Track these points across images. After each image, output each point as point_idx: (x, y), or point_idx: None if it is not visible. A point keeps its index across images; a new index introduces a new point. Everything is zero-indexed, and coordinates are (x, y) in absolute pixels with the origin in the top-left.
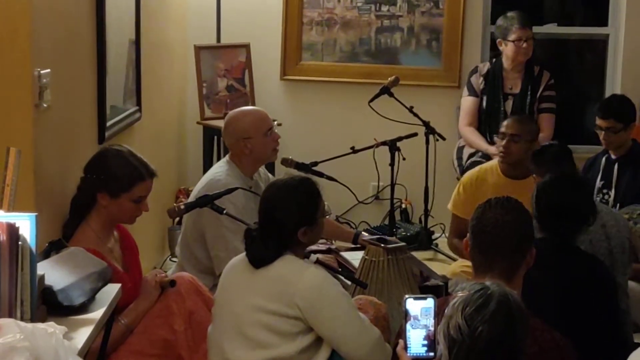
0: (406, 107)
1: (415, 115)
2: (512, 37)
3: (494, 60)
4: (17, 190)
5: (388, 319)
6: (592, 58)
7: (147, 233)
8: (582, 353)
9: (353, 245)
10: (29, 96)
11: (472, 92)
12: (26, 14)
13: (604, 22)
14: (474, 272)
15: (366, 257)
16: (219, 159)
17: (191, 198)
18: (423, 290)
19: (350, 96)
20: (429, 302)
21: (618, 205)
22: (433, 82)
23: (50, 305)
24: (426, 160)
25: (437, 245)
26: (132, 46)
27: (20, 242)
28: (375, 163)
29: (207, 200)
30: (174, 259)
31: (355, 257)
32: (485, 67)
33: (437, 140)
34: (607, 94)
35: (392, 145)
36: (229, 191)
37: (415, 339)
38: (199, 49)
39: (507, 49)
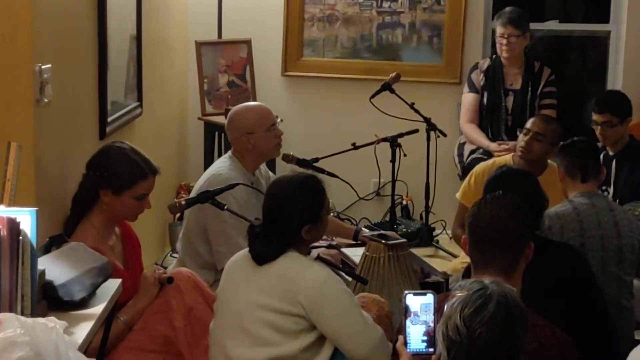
0: (407, 104)
1: (417, 111)
2: (496, 33)
3: (494, 56)
4: (17, 185)
5: (391, 317)
6: (594, 55)
7: (148, 229)
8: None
9: (353, 242)
10: (30, 91)
11: (473, 88)
12: (27, 10)
13: (605, 19)
14: (473, 269)
15: (367, 253)
16: (220, 154)
17: (193, 193)
18: (423, 286)
19: (351, 92)
20: (429, 298)
21: (617, 201)
22: (434, 78)
23: (50, 300)
24: (427, 157)
25: (437, 241)
26: (133, 42)
27: (20, 237)
28: (376, 159)
29: (208, 196)
30: (175, 255)
31: (355, 254)
32: (485, 63)
33: (438, 136)
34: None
35: (393, 142)
36: (230, 187)
37: (415, 334)
38: (200, 45)
39: (497, 46)
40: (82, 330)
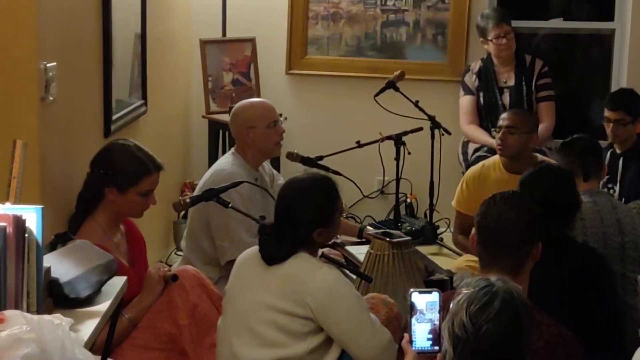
0: (412, 102)
1: (421, 109)
2: (490, 35)
3: (485, 57)
4: (23, 183)
5: (400, 320)
6: (598, 53)
7: (153, 227)
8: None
9: (358, 240)
10: (35, 89)
11: (468, 90)
12: (32, 8)
13: (610, 17)
14: (480, 267)
15: (371, 251)
16: (224, 152)
17: (197, 191)
18: (428, 284)
19: (355, 90)
20: (434, 296)
21: (623, 200)
22: (438, 76)
23: (56, 298)
24: (431, 155)
25: (442, 239)
26: (137, 40)
27: (26, 235)
28: (381, 157)
29: (212, 194)
30: (179, 253)
31: (360, 251)
32: (477, 65)
33: (443, 134)
34: (613, 89)
35: (398, 140)
36: (235, 185)
37: (420, 333)
38: (204, 43)
39: (490, 48)
40: (88, 328)
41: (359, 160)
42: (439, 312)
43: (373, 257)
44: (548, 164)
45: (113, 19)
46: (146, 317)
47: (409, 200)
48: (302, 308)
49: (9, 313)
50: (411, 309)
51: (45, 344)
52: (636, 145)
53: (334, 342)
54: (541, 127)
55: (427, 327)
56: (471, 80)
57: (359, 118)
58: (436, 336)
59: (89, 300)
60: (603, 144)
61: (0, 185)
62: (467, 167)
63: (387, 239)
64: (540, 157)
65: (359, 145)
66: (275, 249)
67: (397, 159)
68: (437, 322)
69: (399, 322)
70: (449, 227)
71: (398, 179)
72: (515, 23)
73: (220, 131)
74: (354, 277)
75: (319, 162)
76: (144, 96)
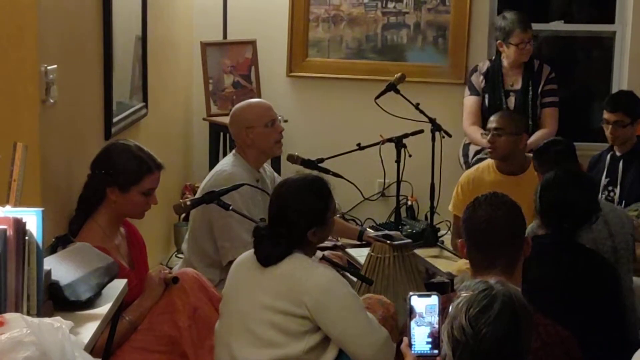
0: (412, 104)
1: (422, 112)
2: (514, 40)
3: (493, 58)
4: (23, 186)
5: (397, 319)
6: (599, 55)
7: (153, 229)
8: (585, 350)
9: (358, 242)
10: (36, 92)
11: (474, 91)
12: (33, 10)
13: (610, 20)
14: (473, 271)
15: (372, 253)
16: (225, 155)
17: (199, 193)
18: (428, 287)
19: (356, 93)
20: (434, 300)
21: (624, 202)
22: (439, 79)
23: (56, 300)
24: (432, 157)
25: (442, 242)
26: (138, 42)
27: (26, 237)
28: (381, 160)
29: (213, 197)
30: (180, 255)
31: (360, 254)
32: (485, 65)
33: (443, 137)
34: (614, 91)
35: (398, 142)
36: (235, 187)
37: (420, 336)
38: (205, 46)
39: (509, 52)
40: (88, 330)
41: (360, 163)
42: (439, 315)
43: (374, 260)
44: (567, 168)
45: (114, 21)
46: (147, 319)
47: (409, 202)
48: (298, 307)
49: (9, 316)
50: (410, 312)
51: (46, 346)
52: (636, 148)
53: (331, 341)
54: (543, 133)
55: (427, 330)
56: (478, 80)
57: (359, 120)
58: (435, 340)
59: (90, 303)
60: (604, 146)
61: (0, 187)
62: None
63: (388, 242)
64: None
65: (360, 147)
66: (270, 250)
67: (398, 161)
68: (436, 326)
69: (395, 321)
70: (449, 229)
71: (399, 182)
72: None
73: (221, 133)
74: (355, 279)
75: (320, 165)
76: (145, 98)
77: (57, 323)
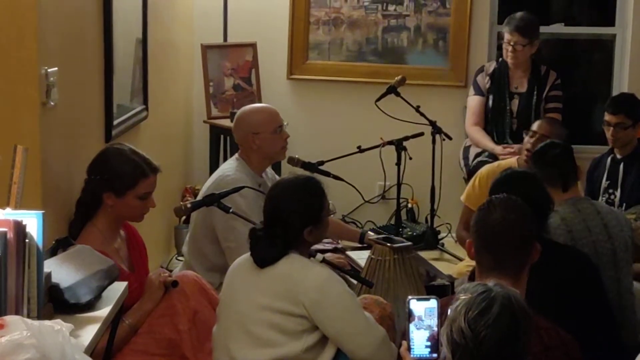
0: (413, 107)
1: (422, 114)
2: (504, 38)
3: (500, 59)
4: (24, 188)
5: (393, 318)
6: (600, 58)
7: (154, 232)
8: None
9: (359, 245)
10: (36, 94)
11: (479, 91)
12: (33, 13)
13: (611, 22)
14: (479, 272)
15: (372, 256)
16: (225, 158)
17: (200, 196)
18: (429, 289)
19: (356, 95)
20: (433, 303)
21: (624, 205)
22: (440, 81)
23: (57, 303)
24: (432, 160)
25: (443, 245)
26: (139, 45)
27: (27, 240)
28: (382, 162)
29: (213, 199)
30: (180, 258)
31: (361, 257)
32: (491, 66)
33: (444, 139)
34: (614, 93)
35: (399, 145)
36: (236, 190)
37: (419, 339)
38: (205, 48)
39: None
40: (88, 333)
41: (360, 166)
42: (438, 318)
43: (374, 263)
44: (513, 168)
45: (114, 23)
46: (147, 322)
47: (410, 205)
48: (296, 306)
49: (9, 318)
50: (409, 315)
51: (46, 349)
52: (637, 150)
53: (329, 341)
54: None
55: (426, 334)
56: (483, 81)
57: (360, 123)
58: (435, 343)
59: (90, 306)
60: (605, 149)
61: (0, 190)
62: (468, 172)
63: (389, 244)
64: None
65: (360, 150)
66: (266, 251)
67: (398, 164)
68: (435, 329)
69: (392, 321)
70: (450, 232)
71: (399, 184)
72: None
73: (222, 136)
74: (355, 282)
75: (320, 167)
76: (145, 101)
77: (58, 326)
